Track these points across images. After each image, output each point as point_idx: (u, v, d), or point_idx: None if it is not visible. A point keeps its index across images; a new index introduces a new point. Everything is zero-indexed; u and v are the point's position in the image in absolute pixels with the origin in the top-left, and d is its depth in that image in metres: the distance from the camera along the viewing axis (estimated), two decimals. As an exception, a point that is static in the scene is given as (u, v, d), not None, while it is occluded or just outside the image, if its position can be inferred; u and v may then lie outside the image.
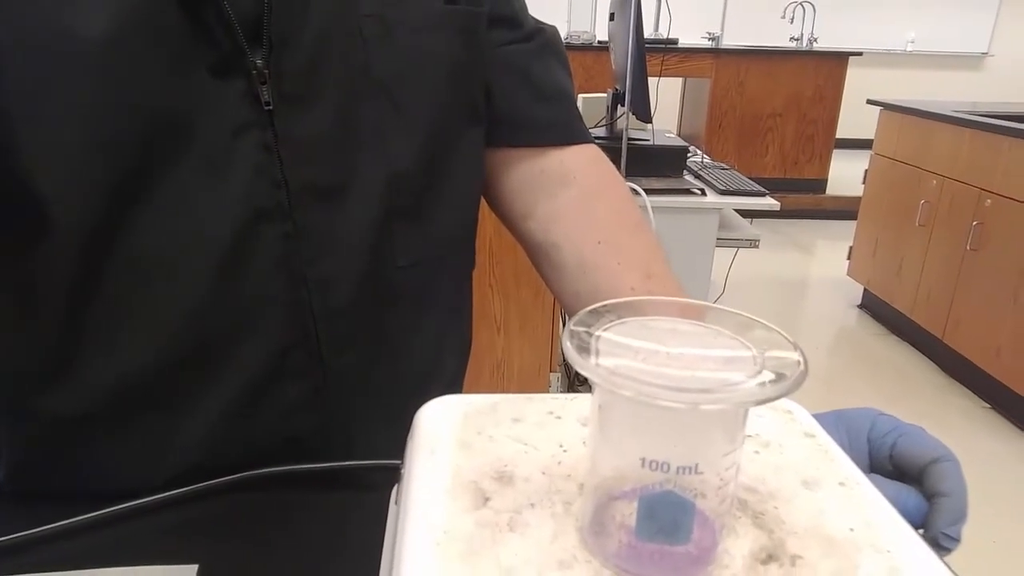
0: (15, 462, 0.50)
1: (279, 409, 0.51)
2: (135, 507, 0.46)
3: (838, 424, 0.42)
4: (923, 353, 2.75)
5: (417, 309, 0.56)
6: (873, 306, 3.13)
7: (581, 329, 0.26)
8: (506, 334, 1.95)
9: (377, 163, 0.51)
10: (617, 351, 0.25)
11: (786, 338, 0.25)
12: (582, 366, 0.24)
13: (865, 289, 3.18)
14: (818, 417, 0.39)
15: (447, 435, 0.35)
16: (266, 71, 0.45)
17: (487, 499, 0.30)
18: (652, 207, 1.79)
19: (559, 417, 0.37)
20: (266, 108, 0.46)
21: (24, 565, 0.42)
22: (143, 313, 0.46)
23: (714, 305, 0.28)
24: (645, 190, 1.85)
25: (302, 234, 0.48)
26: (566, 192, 0.61)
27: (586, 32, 4.30)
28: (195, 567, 0.41)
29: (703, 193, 1.98)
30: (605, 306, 0.28)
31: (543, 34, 0.62)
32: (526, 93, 0.60)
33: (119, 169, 0.43)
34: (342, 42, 0.48)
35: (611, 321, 0.27)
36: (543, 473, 0.32)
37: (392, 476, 0.38)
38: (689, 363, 0.24)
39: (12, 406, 0.49)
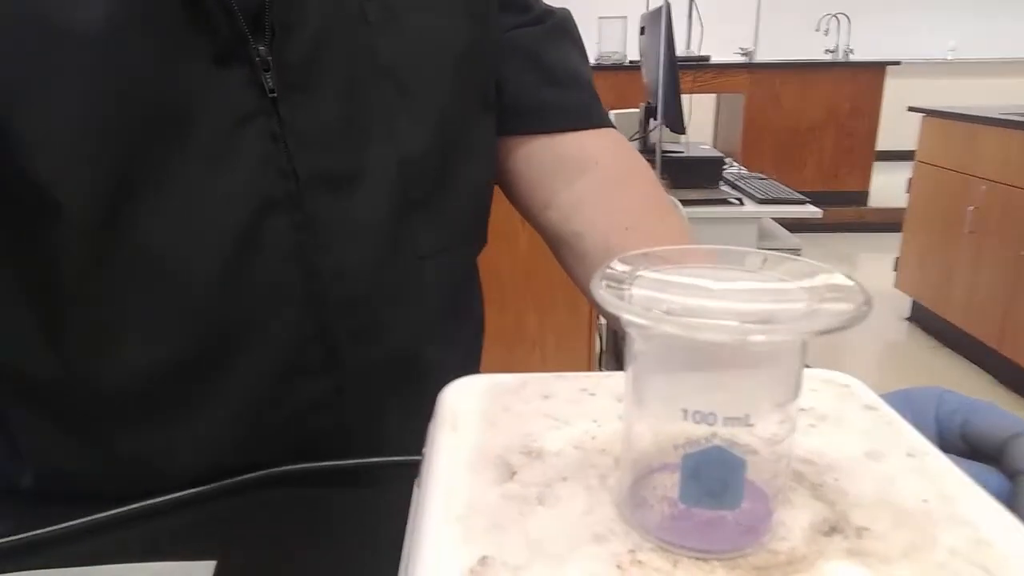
0: (36, 461, 0.49)
1: (296, 407, 0.49)
2: (153, 505, 0.45)
3: (902, 404, 0.39)
4: (978, 365, 2.63)
5: (434, 299, 0.54)
6: (923, 318, 3.01)
7: (614, 270, 0.23)
8: (542, 351, 1.91)
9: (387, 150, 0.49)
10: (654, 288, 0.22)
11: (844, 274, 0.23)
12: (614, 305, 0.21)
13: (914, 301, 3.07)
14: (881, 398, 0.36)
15: (472, 412, 0.33)
16: (269, 58, 0.44)
17: (514, 473, 0.28)
18: (688, 218, 1.75)
19: (593, 394, 0.34)
20: (270, 96, 0.44)
21: (43, 563, 0.41)
22: (150, 309, 0.44)
23: (759, 250, 0.25)
24: (681, 201, 1.81)
25: (313, 224, 0.47)
26: (587, 178, 0.58)
27: (617, 52, 4.29)
28: (213, 563, 0.39)
29: (740, 203, 1.94)
30: (641, 254, 0.25)
31: (553, 16, 0.59)
32: (536, 77, 0.57)
33: (120, 159, 0.41)
34: (346, 27, 0.47)
35: (646, 267, 0.25)
36: (576, 448, 0.30)
37: (414, 472, 0.36)
38: (737, 296, 0.22)
39: (26, 405, 0.48)
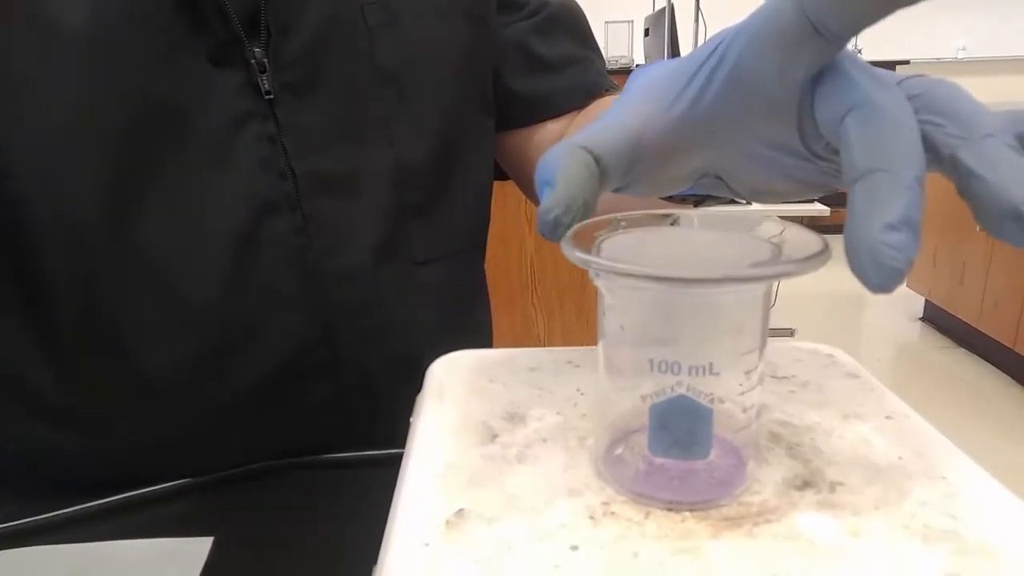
0: (34, 456, 0.49)
1: (300, 411, 0.49)
2: (153, 492, 0.45)
3: None
4: (993, 365, 2.61)
5: (436, 305, 0.54)
6: (936, 318, 2.99)
7: (584, 228, 0.24)
8: (551, 352, 1.92)
9: (385, 154, 0.49)
10: (624, 245, 0.23)
11: (811, 232, 0.23)
12: (580, 260, 0.22)
13: (926, 300, 3.04)
14: None
15: (458, 383, 0.33)
16: (265, 60, 0.44)
17: (495, 436, 0.28)
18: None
19: (578, 366, 0.35)
20: (267, 98, 0.44)
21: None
22: (150, 313, 0.44)
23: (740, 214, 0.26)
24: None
25: (313, 226, 0.47)
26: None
27: (624, 56, 4.30)
28: (210, 539, 0.40)
29: (747, 202, 1.94)
30: (615, 218, 0.26)
31: (547, 8, 0.59)
32: (529, 69, 0.57)
33: (115, 162, 0.41)
34: (344, 29, 0.47)
35: (622, 228, 0.25)
36: (557, 413, 0.30)
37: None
38: (702, 249, 0.22)
39: (25, 404, 0.47)
